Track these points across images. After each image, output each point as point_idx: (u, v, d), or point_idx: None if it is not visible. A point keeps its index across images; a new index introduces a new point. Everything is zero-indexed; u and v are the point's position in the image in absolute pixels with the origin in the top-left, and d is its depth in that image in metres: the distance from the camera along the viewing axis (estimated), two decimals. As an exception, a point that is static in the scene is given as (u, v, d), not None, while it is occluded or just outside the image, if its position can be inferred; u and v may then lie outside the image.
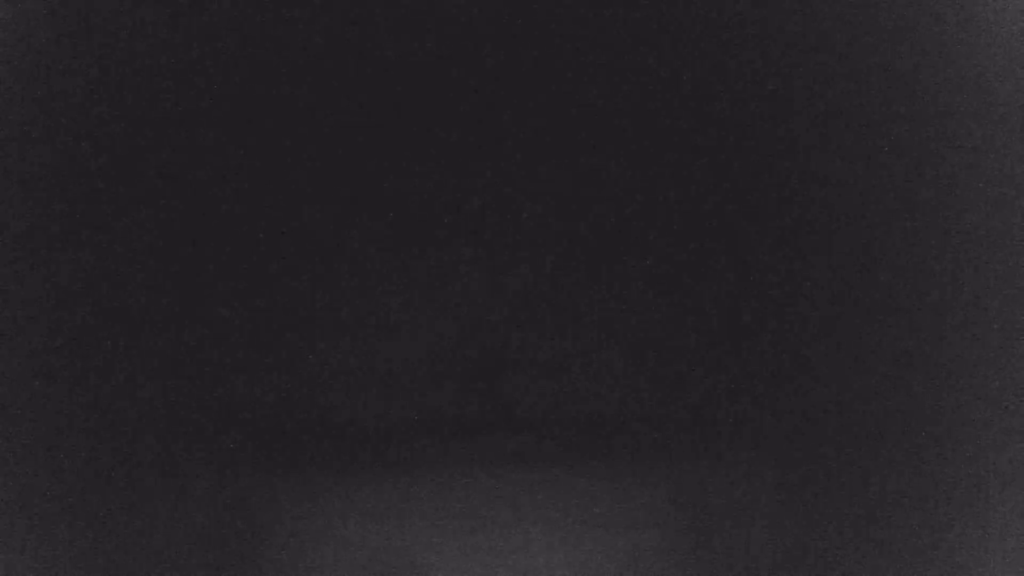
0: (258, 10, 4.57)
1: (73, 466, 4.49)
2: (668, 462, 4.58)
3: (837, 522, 4.55)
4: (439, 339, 4.64)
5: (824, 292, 4.62)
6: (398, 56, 4.63)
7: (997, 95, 4.53)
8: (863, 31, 4.62)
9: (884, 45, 4.61)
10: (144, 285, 4.57)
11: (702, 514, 4.56)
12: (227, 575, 4.49)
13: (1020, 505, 4.45)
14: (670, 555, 4.54)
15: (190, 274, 4.59)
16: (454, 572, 4.51)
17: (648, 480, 4.57)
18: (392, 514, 4.54)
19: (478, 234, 4.66)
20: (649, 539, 4.55)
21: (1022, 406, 4.48)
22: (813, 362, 4.61)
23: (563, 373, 4.63)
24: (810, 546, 4.55)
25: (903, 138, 4.62)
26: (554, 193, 4.67)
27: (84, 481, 4.49)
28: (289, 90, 4.63)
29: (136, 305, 4.57)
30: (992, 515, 4.48)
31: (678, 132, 4.65)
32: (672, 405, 4.62)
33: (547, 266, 4.66)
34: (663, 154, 4.65)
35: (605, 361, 4.64)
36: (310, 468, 4.54)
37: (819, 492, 4.57)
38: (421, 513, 4.53)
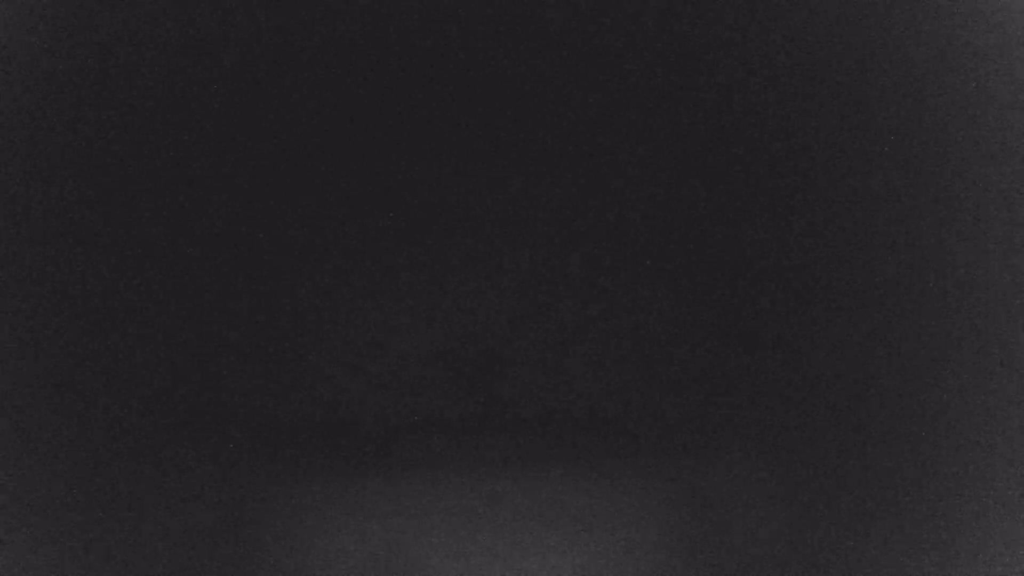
0: (258, 10, 4.58)
1: (70, 465, 4.49)
2: (668, 461, 4.58)
3: (838, 521, 4.55)
4: (439, 339, 4.64)
5: (825, 290, 4.62)
6: (397, 55, 4.63)
7: (997, 95, 4.53)
8: (863, 32, 4.62)
9: (884, 45, 4.61)
10: (142, 284, 4.58)
11: (702, 514, 4.56)
12: (227, 575, 4.49)
13: (1021, 505, 4.45)
14: (669, 554, 4.54)
15: (187, 273, 4.60)
16: (454, 572, 4.51)
17: (647, 479, 4.57)
18: (392, 514, 4.54)
19: (477, 234, 4.67)
20: (648, 538, 4.55)
21: (1022, 406, 4.48)
22: (813, 361, 4.61)
23: (563, 373, 4.63)
24: (811, 545, 4.55)
25: (903, 139, 4.62)
26: (554, 193, 4.68)
27: (82, 480, 4.49)
28: (288, 90, 4.63)
29: (133, 304, 4.57)
30: (993, 514, 4.47)
31: (678, 131, 4.65)
32: (672, 404, 4.62)
33: (547, 266, 4.66)
34: (663, 153, 4.66)
35: (604, 361, 4.64)
36: (310, 468, 4.55)
37: (820, 491, 4.57)
38: (421, 513, 4.54)
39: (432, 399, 4.62)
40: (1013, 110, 4.50)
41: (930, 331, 4.57)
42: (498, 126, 4.67)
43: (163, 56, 4.58)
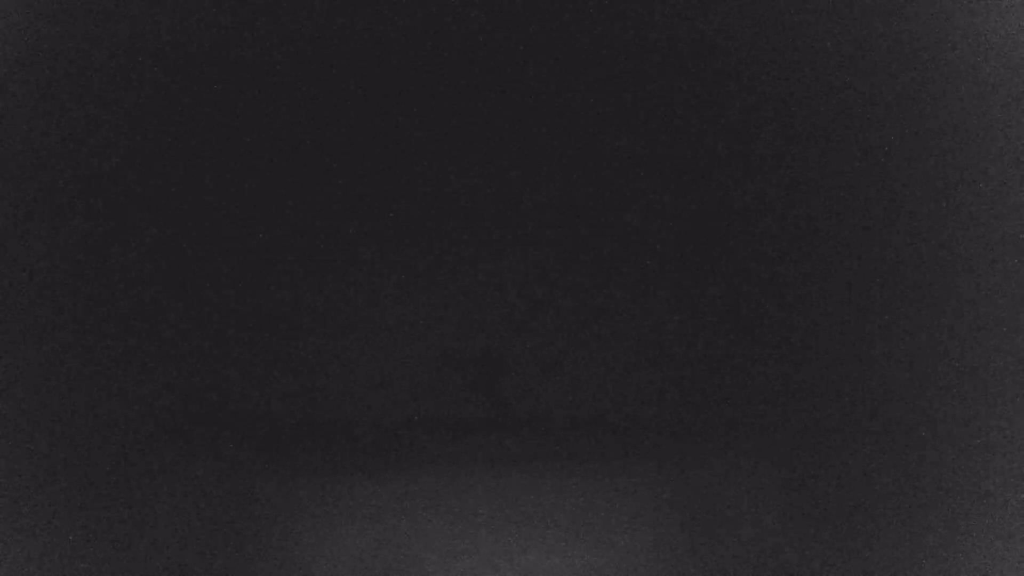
0: (259, 10, 4.57)
1: (73, 466, 4.49)
2: (668, 462, 4.58)
3: (837, 522, 4.56)
4: (439, 339, 4.64)
5: (825, 294, 4.62)
6: (398, 56, 4.63)
7: (997, 96, 4.53)
8: (863, 32, 4.62)
9: (885, 47, 4.61)
10: (145, 286, 4.57)
11: (702, 514, 4.57)
12: (227, 575, 4.49)
13: (1021, 505, 4.45)
14: (670, 555, 4.54)
15: (191, 275, 4.59)
16: (454, 572, 4.51)
17: (647, 480, 4.57)
18: (392, 514, 4.54)
19: (478, 234, 4.66)
20: (649, 539, 4.55)
21: (1022, 406, 4.48)
22: (813, 362, 4.61)
23: (563, 373, 4.63)
24: (810, 545, 4.56)
25: (904, 139, 4.62)
26: (555, 193, 4.67)
27: (84, 481, 4.49)
28: (290, 91, 4.63)
29: (137, 305, 4.57)
30: (994, 514, 4.48)
31: (680, 133, 4.65)
32: (672, 405, 4.62)
33: (547, 266, 4.66)
34: (665, 154, 4.65)
35: (605, 361, 4.64)
36: (310, 468, 4.54)
37: (819, 491, 4.57)
38: (421, 513, 4.53)
39: (432, 399, 4.62)
40: (1014, 111, 4.50)
41: (930, 332, 4.57)
42: (499, 127, 4.67)
43: (164, 57, 4.58)
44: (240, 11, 4.57)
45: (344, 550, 4.52)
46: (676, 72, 4.64)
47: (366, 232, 4.65)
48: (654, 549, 4.55)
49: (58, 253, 4.53)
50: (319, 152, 4.65)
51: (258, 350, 4.60)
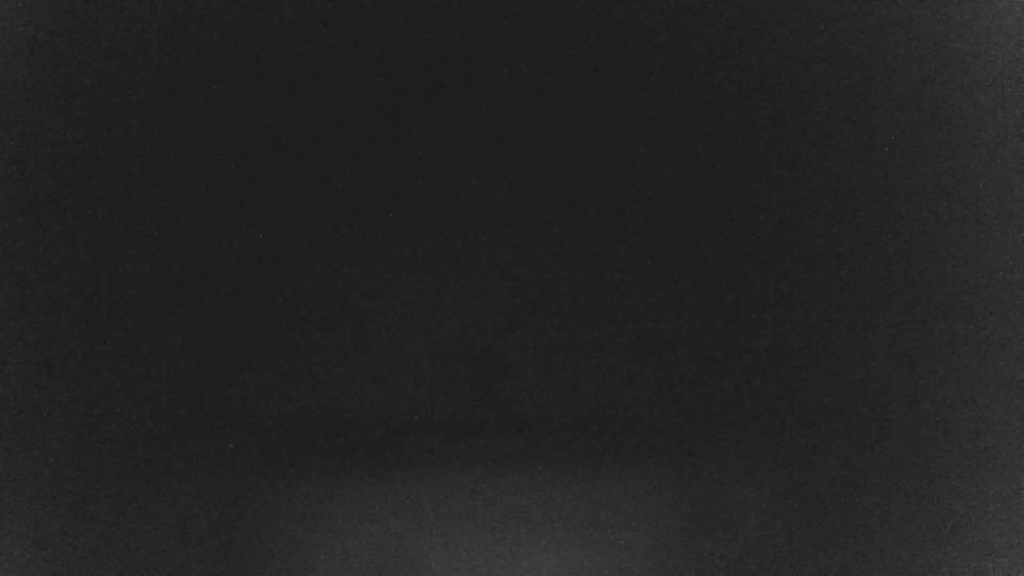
0: (259, 9, 4.57)
1: (72, 466, 4.49)
2: (668, 462, 4.58)
3: (836, 523, 4.55)
4: (439, 339, 4.64)
5: (827, 293, 4.62)
6: (397, 55, 4.63)
7: (997, 96, 4.53)
8: (863, 32, 4.62)
9: (885, 46, 4.61)
10: (143, 284, 4.57)
11: (702, 514, 4.56)
12: (227, 575, 4.49)
13: (1020, 506, 4.45)
14: (669, 555, 4.54)
15: (189, 273, 4.59)
16: (454, 572, 4.51)
17: (647, 480, 4.57)
18: (392, 514, 4.54)
19: (478, 233, 4.66)
20: (648, 539, 4.55)
21: (1022, 406, 4.48)
22: (813, 362, 4.61)
23: (563, 373, 4.63)
24: (810, 546, 4.55)
25: (903, 139, 4.62)
26: (555, 193, 4.68)
27: (83, 481, 4.49)
28: (288, 90, 4.63)
29: (135, 304, 4.57)
30: (994, 515, 4.48)
31: (679, 132, 4.65)
32: (672, 405, 4.62)
33: (546, 266, 4.66)
34: (664, 153, 4.65)
35: (605, 361, 4.64)
36: (310, 468, 4.54)
37: (819, 492, 4.57)
38: (421, 513, 4.54)
39: (432, 399, 4.62)
40: (1013, 111, 4.50)
41: (929, 333, 4.57)
42: (499, 127, 4.67)
43: (164, 57, 4.58)
44: (240, 10, 4.57)
45: (343, 550, 4.52)
46: (676, 73, 4.64)
47: (366, 231, 4.65)
48: (654, 549, 4.55)
49: (56, 253, 4.53)
50: (319, 151, 4.65)
51: (257, 349, 4.60)
